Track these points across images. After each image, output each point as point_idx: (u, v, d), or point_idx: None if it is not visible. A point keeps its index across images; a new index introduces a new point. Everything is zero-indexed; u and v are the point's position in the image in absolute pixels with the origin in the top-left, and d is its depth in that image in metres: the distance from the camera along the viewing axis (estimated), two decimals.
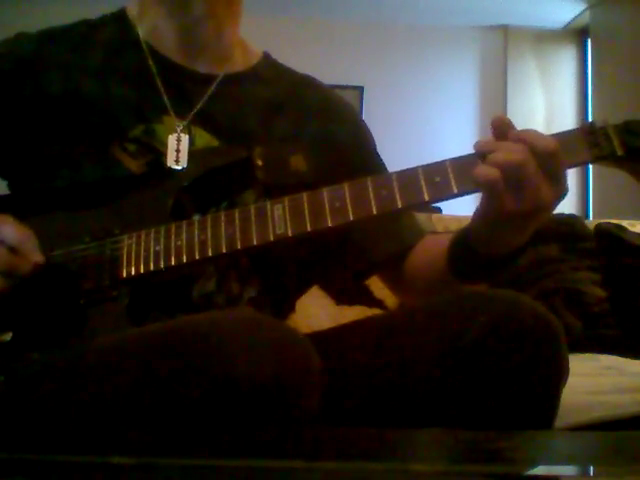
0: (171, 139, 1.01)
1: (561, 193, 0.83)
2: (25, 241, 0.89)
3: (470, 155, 0.85)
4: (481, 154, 0.83)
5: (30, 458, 0.58)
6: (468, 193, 0.85)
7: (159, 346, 0.74)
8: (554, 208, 0.85)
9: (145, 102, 1.03)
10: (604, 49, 4.20)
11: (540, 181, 0.81)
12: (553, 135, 0.85)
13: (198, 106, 1.04)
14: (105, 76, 1.04)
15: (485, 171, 0.81)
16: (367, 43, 4.51)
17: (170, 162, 1.00)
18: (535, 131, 0.83)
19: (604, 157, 0.84)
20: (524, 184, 0.80)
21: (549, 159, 0.81)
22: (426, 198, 0.85)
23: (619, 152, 0.83)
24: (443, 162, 0.86)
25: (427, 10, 4.41)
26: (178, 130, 1.02)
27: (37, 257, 0.89)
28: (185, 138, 1.01)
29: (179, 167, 1.00)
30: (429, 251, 1.04)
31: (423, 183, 0.85)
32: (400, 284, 1.12)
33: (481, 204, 0.86)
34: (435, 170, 0.85)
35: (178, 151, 1.00)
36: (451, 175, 0.84)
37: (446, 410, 0.85)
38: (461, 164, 0.85)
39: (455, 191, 0.84)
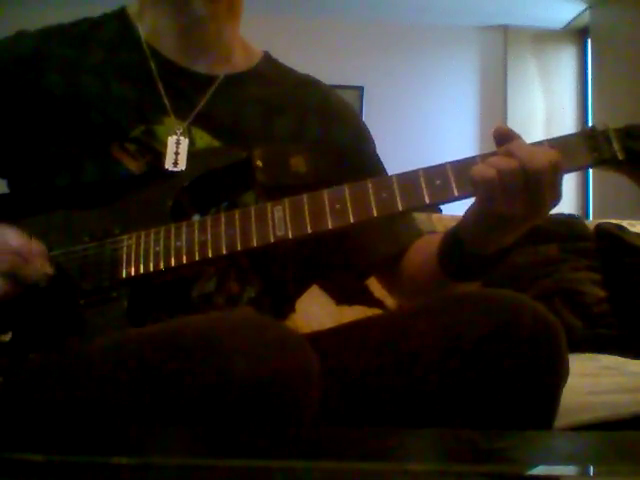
0: (170, 141, 1.01)
1: (556, 200, 0.83)
2: (35, 250, 0.88)
3: (471, 158, 0.85)
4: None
5: (30, 458, 0.58)
6: (469, 196, 0.85)
7: (159, 346, 0.74)
8: (547, 213, 0.85)
9: (145, 103, 1.03)
10: (604, 49, 4.19)
11: (537, 189, 0.81)
12: (554, 139, 0.85)
13: (198, 108, 1.04)
14: (105, 75, 1.04)
15: (482, 170, 0.81)
16: (367, 43, 4.51)
17: (168, 164, 1.00)
18: (531, 148, 0.82)
19: (605, 161, 0.84)
20: (520, 189, 0.80)
21: (545, 174, 0.80)
22: (427, 201, 0.85)
23: (620, 156, 0.83)
24: (443, 165, 0.86)
25: (427, 10, 4.40)
26: (178, 133, 1.01)
27: (47, 268, 0.89)
28: (185, 141, 1.01)
29: (177, 169, 0.99)
30: (423, 251, 1.04)
31: (424, 186, 0.85)
32: (396, 284, 1.12)
33: (475, 203, 0.86)
34: (435, 173, 0.85)
35: (177, 154, 1.00)
36: (452, 178, 0.84)
37: (446, 410, 0.85)
38: (461, 167, 0.85)
39: (455, 194, 0.84)
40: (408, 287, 1.08)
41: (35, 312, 0.91)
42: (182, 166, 0.99)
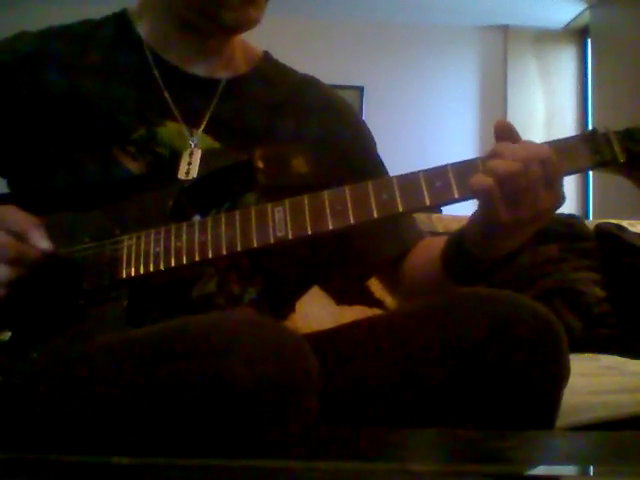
0: (185, 154, 1.00)
1: (558, 201, 0.83)
2: (32, 229, 0.89)
3: (471, 160, 0.85)
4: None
5: (30, 458, 0.58)
6: (469, 198, 0.85)
7: (158, 347, 0.74)
8: (550, 216, 0.85)
9: (147, 105, 1.03)
10: (604, 49, 4.20)
11: (537, 189, 0.81)
12: (554, 141, 0.85)
13: (208, 114, 1.04)
14: (106, 76, 1.04)
15: (481, 180, 0.81)
16: (367, 43, 4.51)
17: (181, 174, 0.98)
18: (529, 141, 0.83)
19: (605, 163, 0.84)
20: (520, 194, 0.80)
21: (545, 167, 0.81)
22: (427, 202, 0.85)
23: (621, 158, 0.83)
24: (444, 167, 0.86)
25: (427, 10, 4.40)
26: (192, 144, 1.01)
27: (45, 245, 0.89)
28: (198, 152, 1.00)
29: (189, 179, 0.98)
30: (426, 253, 1.04)
31: (424, 187, 0.85)
32: (398, 285, 1.12)
33: (477, 210, 0.86)
34: (436, 175, 0.85)
35: (189, 164, 0.99)
36: (452, 180, 0.84)
37: (447, 410, 0.85)
38: (462, 169, 0.85)
39: (456, 196, 0.84)
40: (410, 288, 1.08)
41: (35, 311, 0.91)
42: (194, 175, 0.98)
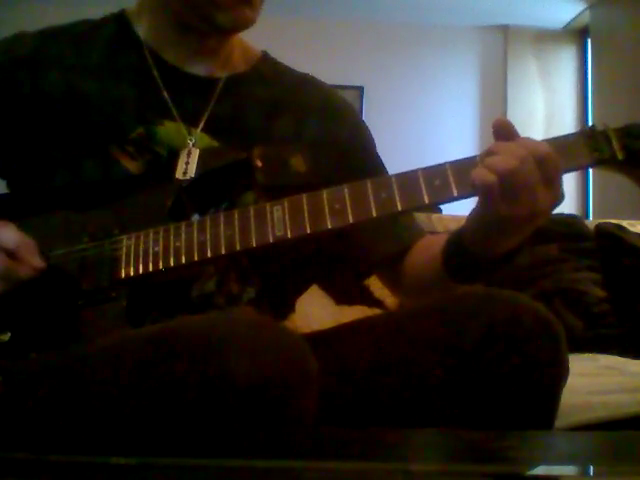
0: (183, 153, 1.00)
1: (557, 199, 0.83)
2: (24, 246, 0.89)
3: (470, 158, 0.85)
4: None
5: (30, 458, 0.58)
6: (468, 196, 0.85)
7: (158, 347, 0.74)
8: (550, 213, 0.85)
9: (145, 104, 1.03)
10: (604, 49, 4.20)
11: (536, 187, 0.81)
12: (553, 139, 0.85)
13: (206, 113, 1.04)
14: (104, 76, 1.04)
15: (482, 175, 0.81)
16: (367, 43, 4.51)
17: (179, 174, 0.99)
18: (528, 138, 0.83)
19: (604, 161, 0.84)
20: (520, 189, 0.80)
21: (544, 164, 0.81)
22: (426, 201, 0.85)
23: (619, 156, 0.83)
24: (443, 165, 0.86)
25: (427, 10, 4.40)
26: (190, 144, 1.01)
27: (37, 262, 0.89)
28: (196, 151, 1.00)
29: (187, 178, 0.98)
30: (426, 251, 1.04)
31: (423, 186, 0.85)
32: (398, 283, 1.12)
33: (477, 207, 0.86)
34: (435, 173, 0.85)
35: (187, 163, 0.99)
36: (451, 178, 0.84)
37: (446, 410, 0.85)
38: (461, 167, 0.85)
39: (455, 194, 0.84)
40: (410, 286, 1.08)
41: (34, 312, 0.91)
42: (191, 174, 0.98)
